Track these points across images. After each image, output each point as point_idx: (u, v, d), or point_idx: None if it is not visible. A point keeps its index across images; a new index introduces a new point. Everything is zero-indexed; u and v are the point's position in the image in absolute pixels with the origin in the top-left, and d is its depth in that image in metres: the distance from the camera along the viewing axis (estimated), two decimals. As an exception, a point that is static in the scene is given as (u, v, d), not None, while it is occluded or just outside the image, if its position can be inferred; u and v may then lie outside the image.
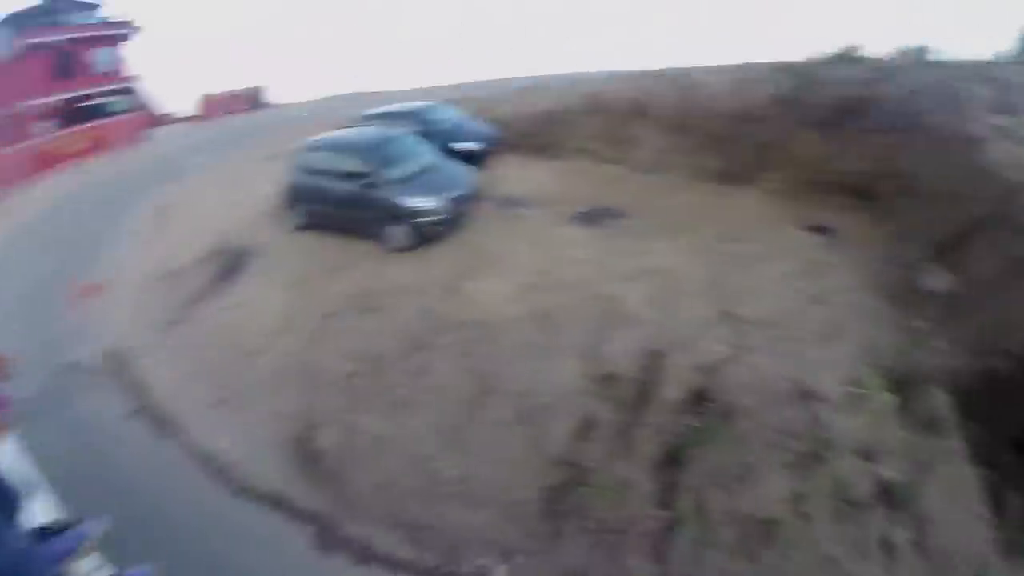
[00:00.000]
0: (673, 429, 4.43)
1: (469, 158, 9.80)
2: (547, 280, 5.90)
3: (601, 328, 5.22)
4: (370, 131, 9.07)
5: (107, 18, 24.42)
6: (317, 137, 8.97)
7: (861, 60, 9.99)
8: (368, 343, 5.65)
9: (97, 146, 19.97)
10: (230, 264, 8.31)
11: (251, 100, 26.18)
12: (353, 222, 7.83)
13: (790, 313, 5.34)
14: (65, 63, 22.05)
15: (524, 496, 4.35)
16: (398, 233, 7.30)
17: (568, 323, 5.30)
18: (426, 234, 7.21)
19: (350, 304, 6.37)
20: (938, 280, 5.36)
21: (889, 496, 3.91)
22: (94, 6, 24.32)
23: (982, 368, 4.41)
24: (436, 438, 4.71)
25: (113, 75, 24.09)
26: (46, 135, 19.88)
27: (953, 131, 6.61)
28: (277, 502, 4.79)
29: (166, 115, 26.58)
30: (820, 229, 6.79)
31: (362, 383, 5.33)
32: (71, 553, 1.36)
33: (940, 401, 4.33)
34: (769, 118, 8.77)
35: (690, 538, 3.99)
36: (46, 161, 18.42)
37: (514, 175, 9.92)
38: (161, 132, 23.39)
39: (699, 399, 4.55)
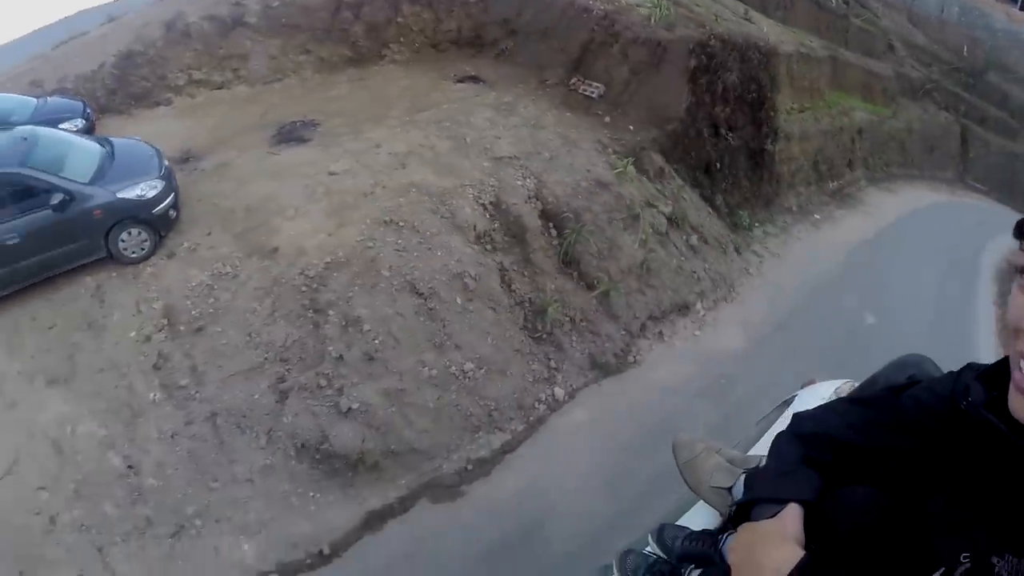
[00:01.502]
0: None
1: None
2: (339, 200, 6.36)
3: (442, 201, 6.38)
4: None
5: None
6: None
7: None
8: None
9: None
10: None
11: None
12: (54, 264, 5.83)
13: (529, 145, 7.61)
14: None
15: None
16: (135, 238, 5.94)
17: (415, 213, 6.20)
18: (164, 226, 6.09)
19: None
20: (593, 89, 8.51)
21: (673, 221, 7.18)
22: None
23: (660, 134, 7.91)
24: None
25: None
26: None
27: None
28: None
29: None
30: (472, 79, 9.02)
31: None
32: None
33: (659, 160, 7.68)
34: (368, 2, 9.90)
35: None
36: None
37: (149, 136, 8.33)
38: None
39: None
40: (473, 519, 5.00)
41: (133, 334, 5.52)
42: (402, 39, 9.83)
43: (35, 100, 8.52)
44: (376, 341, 5.28)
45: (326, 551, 4.71)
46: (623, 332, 6.86)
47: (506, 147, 7.65)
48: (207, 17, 9.85)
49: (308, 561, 4.70)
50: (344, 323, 5.28)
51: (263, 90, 8.82)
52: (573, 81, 9.33)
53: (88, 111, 8.51)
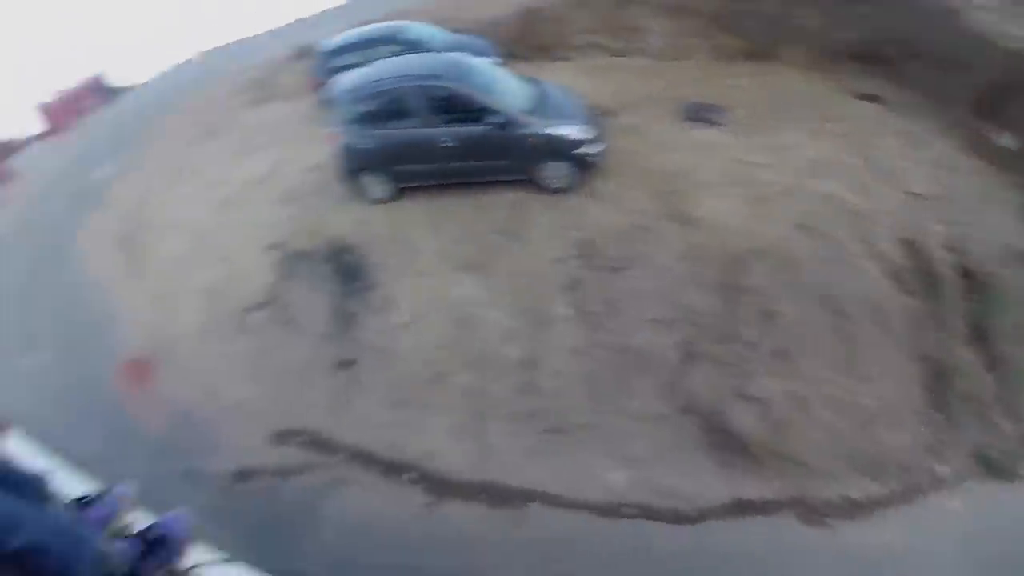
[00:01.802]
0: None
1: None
2: (758, 192, 6.30)
3: (857, 221, 6.00)
4: (432, 58, 7.43)
5: None
6: (353, 80, 7.05)
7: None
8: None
9: None
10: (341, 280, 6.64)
11: (99, 91, 18.21)
12: (478, 172, 6.74)
13: (943, 187, 6.72)
14: None
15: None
16: (560, 170, 6.50)
17: (833, 226, 5.92)
18: (587, 168, 6.74)
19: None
20: (1008, 139, 7.36)
21: None
22: None
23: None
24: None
25: None
26: None
27: (933, 1, 8.47)
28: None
29: (9, 143, 17.66)
30: (872, 97, 8.34)
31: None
32: (114, 515, 1.50)
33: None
34: (761, -1, 9.66)
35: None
36: None
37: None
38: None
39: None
40: (832, 558, 4.72)
41: (550, 254, 6.09)
42: (795, 41, 9.39)
43: (450, 34, 10.01)
44: (789, 341, 5.18)
45: (688, 512, 4.85)
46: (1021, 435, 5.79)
47: (919, 183, 6.86)
48: (605, -13, 10.54)
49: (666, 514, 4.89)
50: (762, 312, 5.27)
51: (663, 66, 9.19)
52: (982, 125, 7.99)
53: (498, 53, 9.75)
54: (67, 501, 1.47)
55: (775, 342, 5.17)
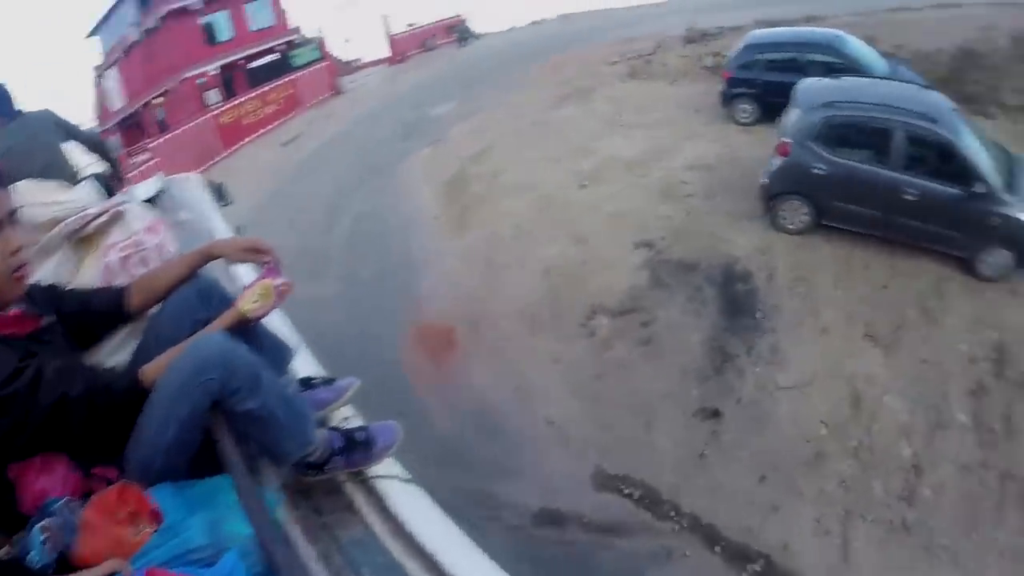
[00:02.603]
0: None
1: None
2: None
3: None
4: (922, 94, 6.08)
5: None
6: (828, 92, 6.03)
7: None
8: None
9: (288, 107, 16.40)
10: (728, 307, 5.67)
11: (454, 33, 20.14)
12: (922, 235, 5.62)
13: None
14: (216, 24, 18.49)
15: None
16: (1002, 258, 5.38)
17: None
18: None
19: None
20: None
21: None
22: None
23: None
24: None
25: (275, 29, 19.92)
26: (224, 104, 16.27)
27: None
28: None
29: (352, 62, 21.31)
30: None
31: None
32: (332, 403, 1.45)
33: None
34: None
35: None
36: (235, 132, 15.16)
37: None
38: (355, 82, 18.53)
39: None
40: None
41: (962, 347, 5.09)
42: None
43: (882, 59, 8.43)
44: None
45: None
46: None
47: None
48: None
49: None
50: None
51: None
52: None
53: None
54: (297, 378, 1.47)
55: None
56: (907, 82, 7.34)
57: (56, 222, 1.57)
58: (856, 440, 4.84)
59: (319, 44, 18.90)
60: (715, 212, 6.39)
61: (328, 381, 1.49)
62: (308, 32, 20.30)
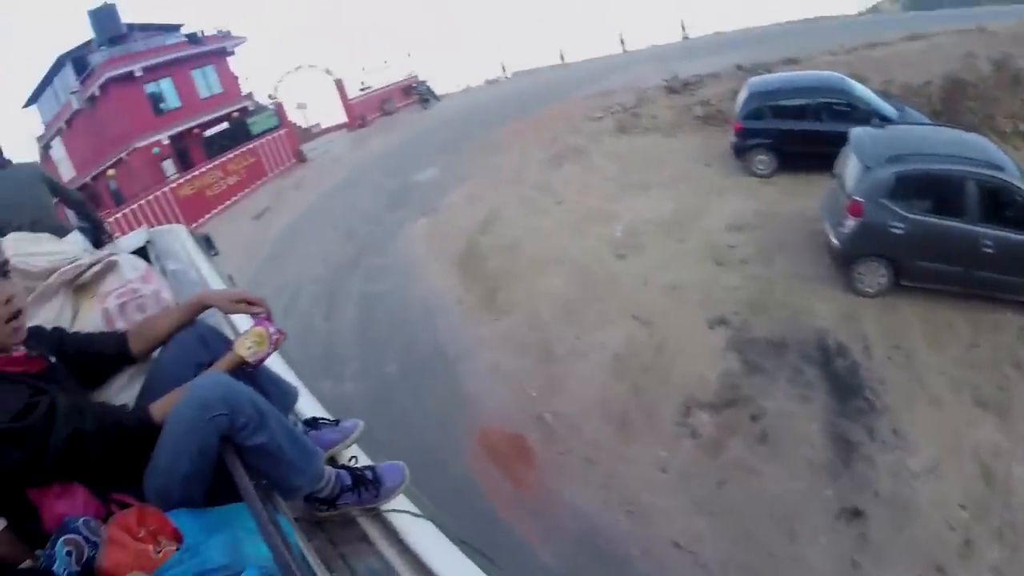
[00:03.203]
0: None
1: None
2: None
3: None
4: (982, 142, 5.95)
5: (196, 35, 18.73)
6: (890, 144, 5.79)
7: None
8: None
9: (251, 177, 15.54)
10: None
11: (415, 94, 19.64)
12: (1004, 287, 5.48)
13: None
14: (162, 92, 17.81)
15: None
16: None
17: None
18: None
19: None
20: None
21: None
22: (174, 27, 19.21)
23: None
24: None
25: (226, 95, 19.23)
26: (183, 175, 15.38)
27: None
28: None
29: (311, 128, 20.53)
30: None
31: None
32: (338, 443, 1.52)
33: None
34: None
35: None
36: (198, 204, 14.05)
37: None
38: (317, 149, 17.63)
39: None
40: None
41: None
42: None
43: (883, 99, 8.52)
44: None
45: None
46: None
47: None
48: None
49: None
50: None
51: None
52: None
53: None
54: (304, 418, 1.55)
55: None
56: (918, 123, 7.37)
57: (50, 271, 1.58)
58: (998, 519, 4.47)
59: (276, 110, 17.96)
60: (782, 278, 5.95)
61: (334, 422, 1.56)
62: (261, 98, 19.39)
